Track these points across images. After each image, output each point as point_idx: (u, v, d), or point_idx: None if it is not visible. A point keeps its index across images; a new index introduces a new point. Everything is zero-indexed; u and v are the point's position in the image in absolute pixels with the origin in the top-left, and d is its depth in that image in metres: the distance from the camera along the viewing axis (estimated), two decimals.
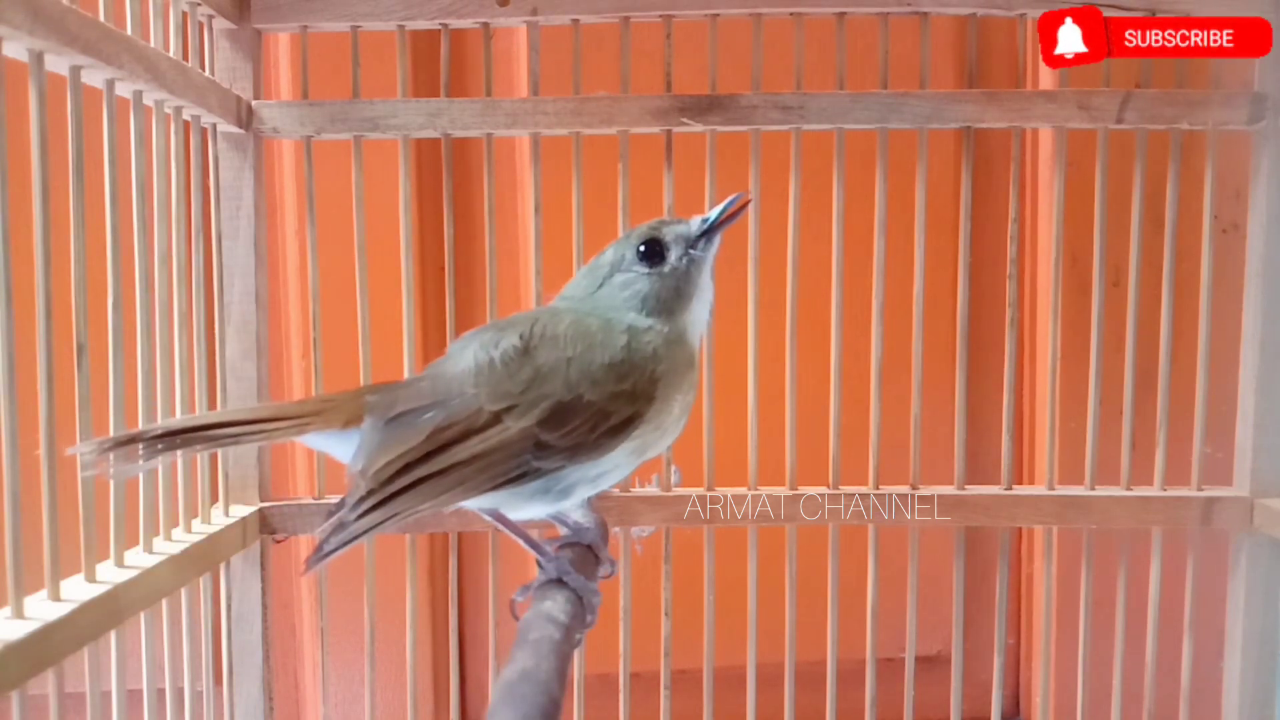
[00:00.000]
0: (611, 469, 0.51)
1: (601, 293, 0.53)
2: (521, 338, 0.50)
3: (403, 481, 0.48)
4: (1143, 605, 0.74)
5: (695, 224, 0.54)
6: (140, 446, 0.47)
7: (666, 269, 0.52)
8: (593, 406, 0.49)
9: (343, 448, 0.51)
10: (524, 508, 0.52)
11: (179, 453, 0.49)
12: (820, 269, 0.74)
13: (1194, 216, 0.74)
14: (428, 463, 0.48)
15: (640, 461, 0.53)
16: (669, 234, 0.53)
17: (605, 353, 0.49)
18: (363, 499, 0.48)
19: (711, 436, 0.74)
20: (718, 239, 0.54)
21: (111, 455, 0.46)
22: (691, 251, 0.53)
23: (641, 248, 0.52)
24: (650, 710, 0.77)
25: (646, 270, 0.52)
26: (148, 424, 0.57)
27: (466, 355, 0.51)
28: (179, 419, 0.49)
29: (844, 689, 0.76)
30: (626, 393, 0.49)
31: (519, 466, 0.48)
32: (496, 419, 0.48)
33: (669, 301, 0.52)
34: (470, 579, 0.89)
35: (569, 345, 0.50)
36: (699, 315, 0.54)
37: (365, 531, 0.48)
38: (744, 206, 0.54)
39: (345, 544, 0.48)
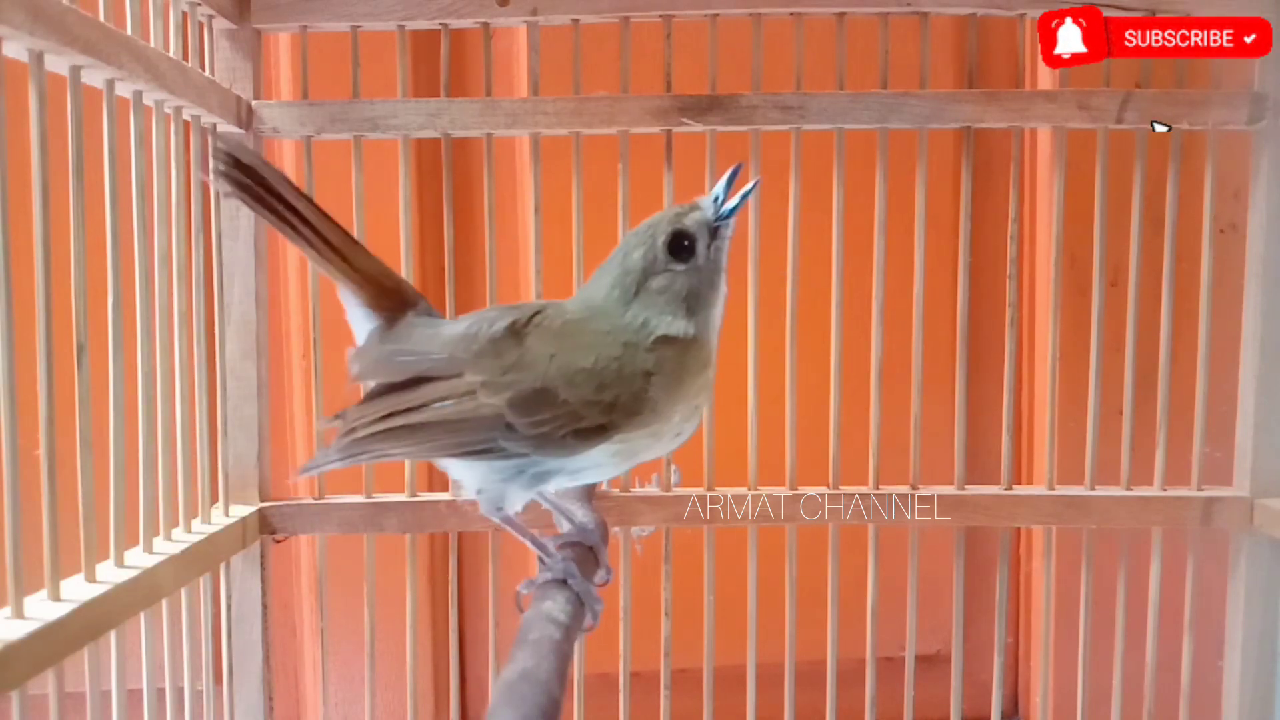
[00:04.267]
0: (591, 466, 0.51)
1: (638, 301, 0.50)
2: (516, 323, 0.50)
3: (381, 426, 0.50)
4: (1142, 605, 0.74)
5: (707, 206, 0.51)
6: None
7: (701, 262, 0.50)
8: (566, 406, 0.48)
9: (356, 318, 0.55)
10: (504, 489, 0.52)
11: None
12: (820, 269, 0.74)
13: (1193, 216, 0.74)
14: (405, 414, 0.50)
15: (630, 465, 0.53)
16: (692, 223, 0.50)
17: (589, 358, 0.49)
18: (346, 433, 0.51)
19: (711, 436, 0.74)
20: (732, 224, 0.52)
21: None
22: (715, 240, 0.51)
23: (671, 243, 0.50)
24: (650, 710, 0.77)
25: (682, 267, 0.50)
26: (147, 423, 0.58)
27: (465, 322, 0.52)
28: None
29: (844, 688, 0.76)
30: (605, 403, 0.48)
31: (485, 441, 0.49)
32: (473, 391, 0.49)
33: (706, 297, 0.51)
34: (470, 579, 0.89)
35: (556, 341, 0.49)
36: (719, 310, 0.53)
37: (346, 457, 0.51)
38: (749, 191, 0.52)
39: (328, 463, 0.52)
